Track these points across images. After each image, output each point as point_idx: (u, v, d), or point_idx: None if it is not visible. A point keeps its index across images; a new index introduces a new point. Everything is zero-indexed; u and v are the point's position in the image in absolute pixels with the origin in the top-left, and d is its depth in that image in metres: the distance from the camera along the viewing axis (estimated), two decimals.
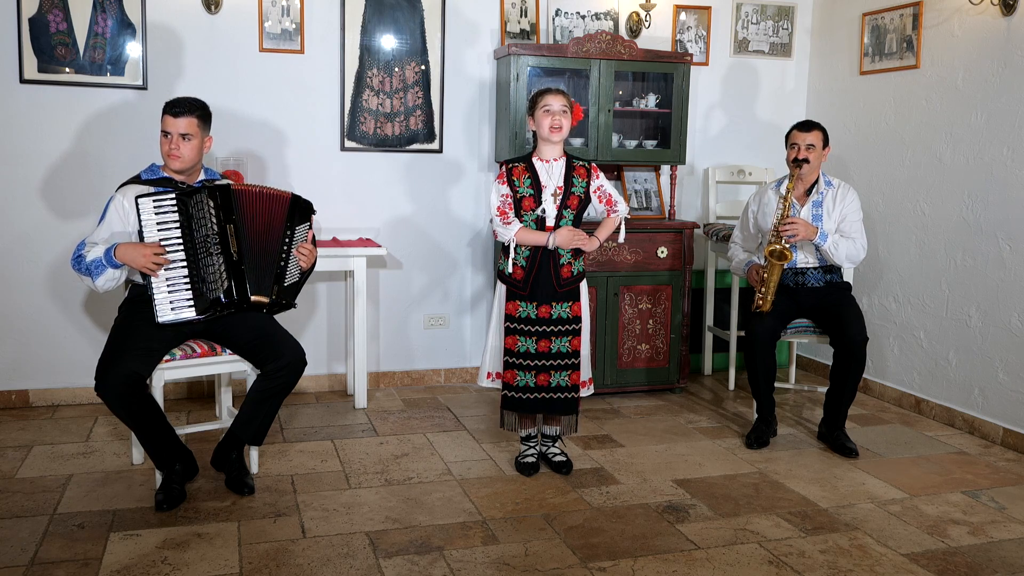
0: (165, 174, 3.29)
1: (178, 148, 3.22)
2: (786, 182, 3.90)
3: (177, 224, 3.14)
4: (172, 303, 3.15)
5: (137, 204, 3.11)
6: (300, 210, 3.38)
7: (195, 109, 3.25)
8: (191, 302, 3.16)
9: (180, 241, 3.15)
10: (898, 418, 4.46)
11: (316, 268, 4.20)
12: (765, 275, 3.86)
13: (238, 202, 3.25)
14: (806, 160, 3.87)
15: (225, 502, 3.21)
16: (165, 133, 3.23)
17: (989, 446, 4.04)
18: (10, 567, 2.69)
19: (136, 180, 3.28)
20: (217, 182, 3.33)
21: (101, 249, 3.14)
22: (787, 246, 3.79)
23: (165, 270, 3.12)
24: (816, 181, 3.99)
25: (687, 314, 4.75)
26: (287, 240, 3.33)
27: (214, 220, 3.19)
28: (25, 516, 3.06)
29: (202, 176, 3.38)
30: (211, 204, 3.19)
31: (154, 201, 3.12)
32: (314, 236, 3.49)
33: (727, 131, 5.25)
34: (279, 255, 3.32)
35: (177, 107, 3.23)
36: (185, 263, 3.16)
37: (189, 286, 3.16)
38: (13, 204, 4.18)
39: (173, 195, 3.14)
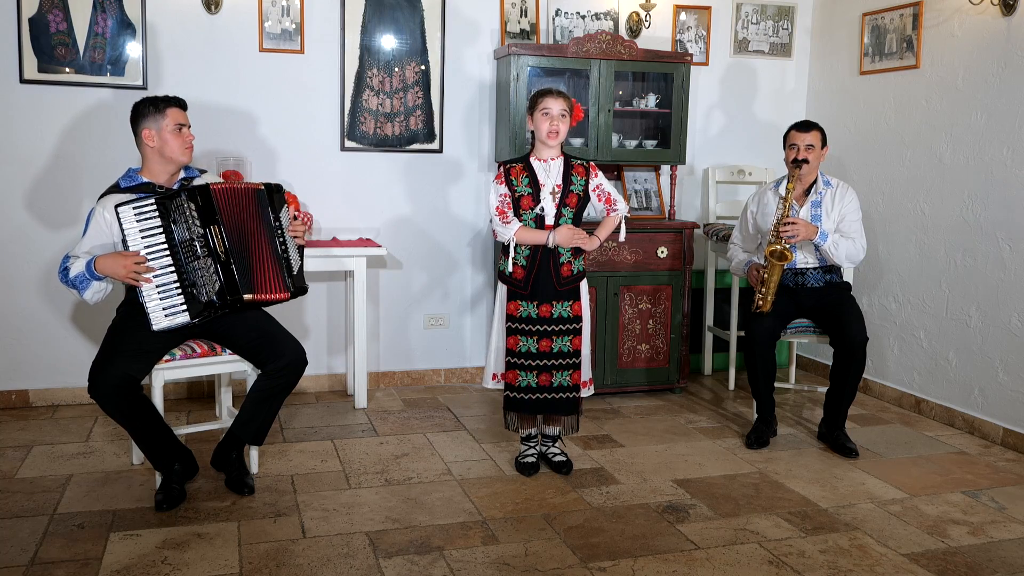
0: (143, 179, 3.25)
1: (191, 139, 3.27)
2: (785, 183, 3.90)
3: (160, 230, 3.10)
4: (165, 309, 3.11)
5: (118, 213, 3.07)
6: (276, 196, 3.32)
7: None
8: (184, 307, 3.13)
9: (165, 246, 3.10)
10: (898, 418, 4.46)
11: (316, 268, 4.23)
12: (765, 275, 3.86)
13: (219, 201, 3.19)
14: (805, 160, 3.86)
15: (225, 502, 3.21)
16: (179, 126, 3.22)
17: (989, 446, 4.04)
18: (10, 567, 2.69)
19: (115, 188, 3.23)
20: (196, 180, 3.31)
21: (83, 263, 3.09)
22: (787, 246, 3.79)
23: (154, 276, 3.09)
24: (815, 181, 3.99)
25: (687, 314, 4.75)
26: (279, 231, 3.29)
27: (197, 222, 3.13)
28: (25, 516, 3.06)
29: (182, 175, 3.34)
30: (191, 206, 3.13)
31: (134, 209, 3.08)
32: (295, 210, 3.45)
33: (727, 131, 5.26)
34: (278, 249, 3.28)
35: (179, 100, 3.27)
36: (173, 268, 3.12)
37: (180, 291, 3.13)
38: (13, 203, 4.18)
39: (153, 201, 3.10)
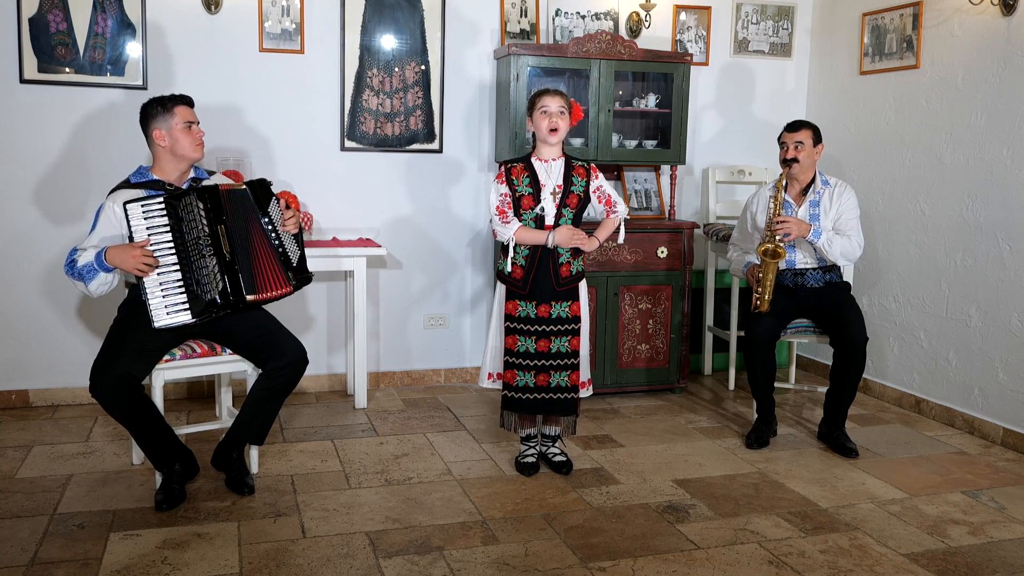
0: (154, 176, 3.27)
1: (201, 135, 3.28)
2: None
3: (167, 228, 3.11)
4: (167, 307, 3.12)
5: (126, 210, 3.08)
6: (263, 192, 3.32)
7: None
8: (186, 305, 3.13)
9: (171, 244, 3.11)
10: (898, 418, 4.46)
11: (316, 268, 4.21)
12: (760, 275, 3.86)
13: (227, 202, 3.21)
14: (795, 159, 3.89)
15: (225, 502, 3.21)
16: (188, 124, 3.23)
17: (989, 446, 4.04)
18: (10, 567, 2.69)
19: (126, 184, 3.25)
20: (205, 182, 3.31)
21: (92, 253, 3.11)
22: (780, 244, 3.80)
23: (158, 274, 3.10)
24: (813, 180, 4.00)
25: (687, 314, 4.75)
26: (270, 228, 3.30)
27: (204, 222, 3.15)
28: (25, 516, 3.06)
29: (191, 175, 3.35)
30: (200, 206, 3.15)
31: (142, 206, 3.09)
32: (286, 201, 3.44)
33: (727, 131, 5.26)
34: (273, 243, 3.29)
35: (187, 97, 3.29)
36: (177, 266, 3.12)
37: (183, 289, 3.13)
38: (13, 204, 4.18)
39: (162, 199, 3.11)
